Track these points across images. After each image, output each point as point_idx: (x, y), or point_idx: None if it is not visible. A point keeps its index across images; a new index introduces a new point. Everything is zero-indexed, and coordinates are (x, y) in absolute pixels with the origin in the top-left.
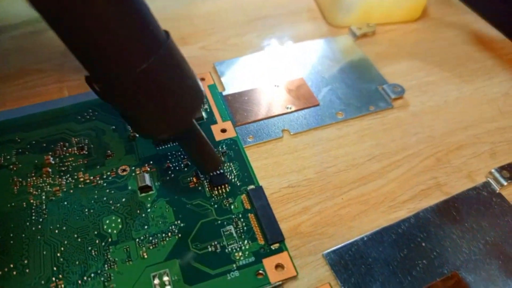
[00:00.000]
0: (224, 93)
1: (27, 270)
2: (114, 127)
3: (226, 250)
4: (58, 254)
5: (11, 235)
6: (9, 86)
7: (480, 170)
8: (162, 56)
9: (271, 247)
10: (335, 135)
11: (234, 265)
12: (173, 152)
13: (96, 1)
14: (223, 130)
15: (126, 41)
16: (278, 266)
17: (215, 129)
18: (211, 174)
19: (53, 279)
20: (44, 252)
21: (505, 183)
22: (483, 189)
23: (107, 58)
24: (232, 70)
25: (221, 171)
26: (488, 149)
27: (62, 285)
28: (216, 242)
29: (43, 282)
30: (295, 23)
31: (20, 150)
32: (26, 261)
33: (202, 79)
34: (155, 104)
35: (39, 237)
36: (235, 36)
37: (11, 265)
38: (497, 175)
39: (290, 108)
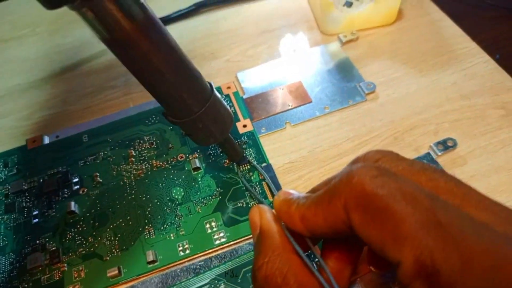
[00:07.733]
0: (244, 96)
1: (130, 223)
2: (171, 127)
3: (249, 206)
4: (147, 212)
5: (117, 202)
6: (94, 101)
7: (425, 144)
8: (209, 104)
9: None
10: (322, 123)
11: None
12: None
13: (169, 79)
14: (244, 126)
15: (189, 99)
16: None
17: (239, 125)
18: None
19: (146, 227)
20: (139, 212)
21: (439, 153)
22: (424, 157)
23: (178, 109)
24: (250, 78)
25: (244, 155)
26: (433, 128)
27: (152, 230)
28: (242, 201)
29: (140, 229)
30: (296, 33)
31: (112, 147)
32: (128, 217)
33: (228, 88)
34: (208, 131)
35: (134, 202)
36: (251, 48)
37: (120, 221)
38: (434, 148)
39: (291, 105)
